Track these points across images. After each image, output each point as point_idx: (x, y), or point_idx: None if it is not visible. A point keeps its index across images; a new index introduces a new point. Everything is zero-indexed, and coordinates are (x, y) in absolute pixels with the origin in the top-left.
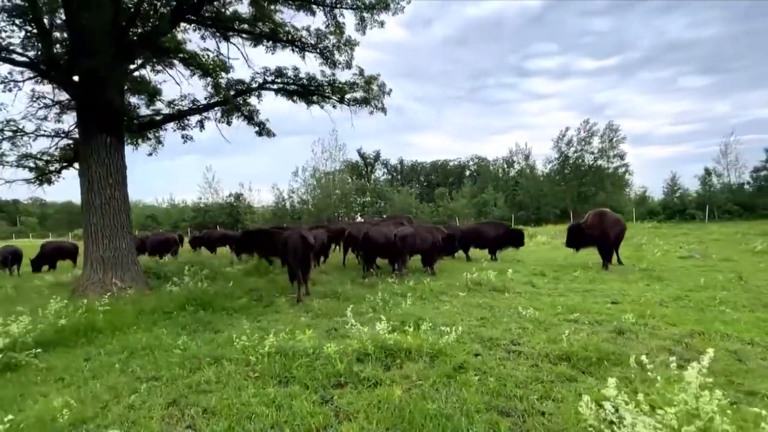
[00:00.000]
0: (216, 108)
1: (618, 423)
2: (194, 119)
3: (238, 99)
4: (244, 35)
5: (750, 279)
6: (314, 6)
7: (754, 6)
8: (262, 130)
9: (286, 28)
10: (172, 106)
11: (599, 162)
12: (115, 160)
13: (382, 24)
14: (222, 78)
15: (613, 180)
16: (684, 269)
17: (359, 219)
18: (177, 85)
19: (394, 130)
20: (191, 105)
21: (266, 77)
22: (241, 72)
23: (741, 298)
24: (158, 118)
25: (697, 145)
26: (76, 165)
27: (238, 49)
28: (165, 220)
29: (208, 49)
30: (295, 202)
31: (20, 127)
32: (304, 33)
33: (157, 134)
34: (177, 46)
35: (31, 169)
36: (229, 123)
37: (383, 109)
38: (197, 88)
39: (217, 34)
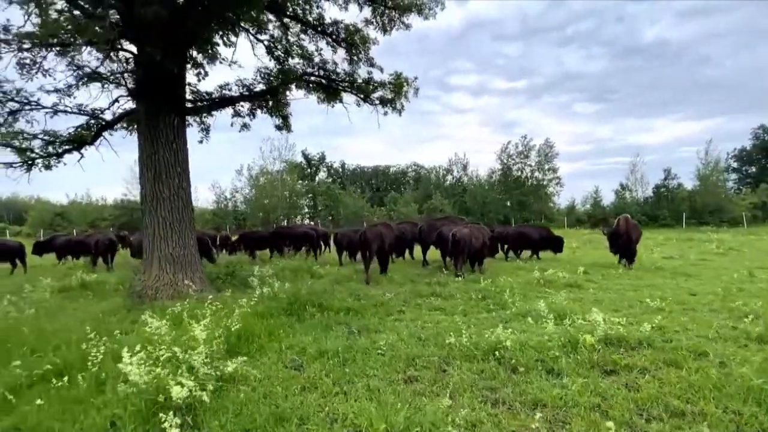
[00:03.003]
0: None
1: None
2: (244, 106)
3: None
4: (294, 21)
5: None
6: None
7: (629, 47)
8: (284, 124)
9: (326, 20)
10: (222, 89)
11: (536, 174)
12: (181, 145)
13: (407, 26)
14: (288, 64)
15: (546, 191)
16: (689, 267)
17: (307, 222)
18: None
19: (321, 133)
20: (244, 90)
21: (306, 68)
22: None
23: None
24: (207, 102)
25: (588, 163)
26: (86, 148)
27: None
28: (79, 219)
29: (288, 31)
30: (238, 202)
31: (35, 99)
32: (341, 27)
33: (203, 120)
34: (257, 20)
35: (21, 151)
36: (254, 115)
37: (400, 111)
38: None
39: (276, 19)
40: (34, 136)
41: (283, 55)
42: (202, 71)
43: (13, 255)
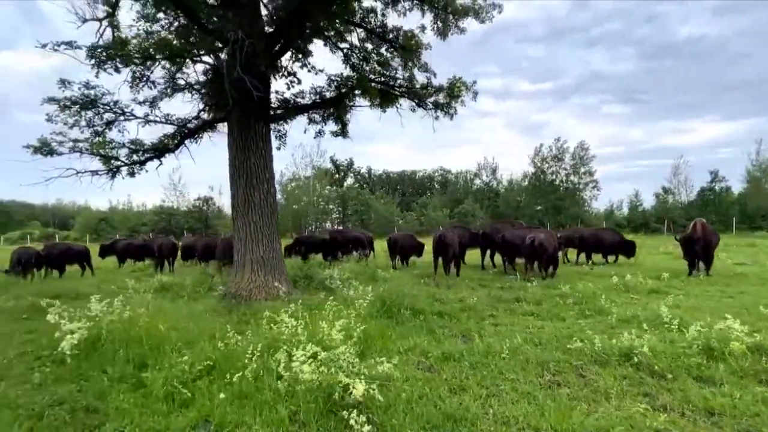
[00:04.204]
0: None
1: None
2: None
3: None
4: (360, 29)
5: None
6: (425, 5)
7: (660, 46)
8: (342, 131)
9: (388, 27)
10: (296, 97)
11: (571, 177)
12: (268, 151)
13: (462, 31)
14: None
15: (582, 195)
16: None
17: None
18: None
19: (344, 138)
20: (316, 98)
21: (369, 74)
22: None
23: None
24: (289, 108)
25: (620, 165)
26: (166, 156)
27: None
28: (121, 224)
29: (367, 40)
30: None
31: (129, 110)
32: (400, 33)
33: (279, 127)
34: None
35: (107, 159)
36: (326, 122)
37: (452, 115)
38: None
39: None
40: (123, 145)
41: (358, 62)
42: (295, 79)
43: (81, 258)
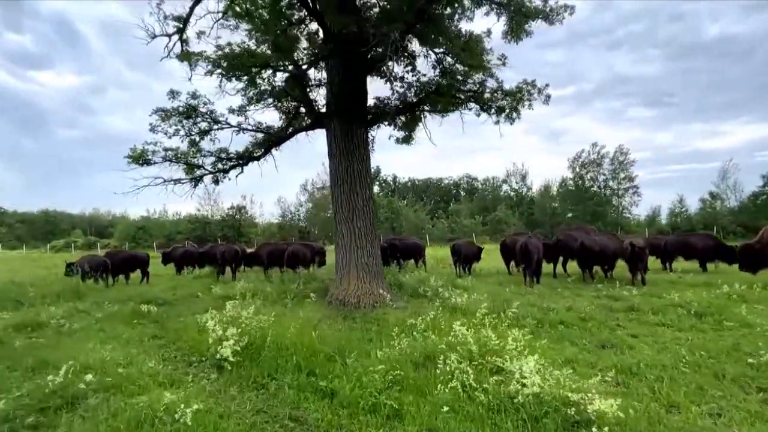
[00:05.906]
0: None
1: None
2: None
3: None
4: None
5: None
6: (501, 8)
7: (687, 47)
8: (408, 137)
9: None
10: (380, 104)
11: (610, 183)
12: (367, 156)
13: (529, 34)
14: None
15: (621, 201)
16: None
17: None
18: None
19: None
20: (398, 105)
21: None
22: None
23: None
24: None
25: (650, 171)
26: (249, 164)
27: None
28: (158, 233)
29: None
30: (301, 216)
31: (224, 119)
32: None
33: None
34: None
35: (192, 167)
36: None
37: (513, 120)
38: None
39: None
40: (210, 153)
41: (448, 66)
42: (404, 84)
43: (143, 265)
